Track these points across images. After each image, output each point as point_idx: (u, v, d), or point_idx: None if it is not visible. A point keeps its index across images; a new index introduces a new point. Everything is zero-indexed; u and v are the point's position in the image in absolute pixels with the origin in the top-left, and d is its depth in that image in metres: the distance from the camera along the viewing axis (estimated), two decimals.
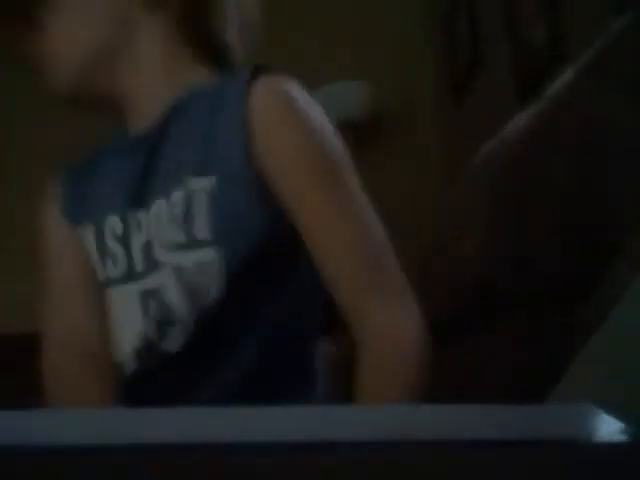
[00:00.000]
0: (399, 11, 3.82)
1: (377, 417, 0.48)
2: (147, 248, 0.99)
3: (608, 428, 0.46)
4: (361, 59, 3.74)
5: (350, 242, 0.95)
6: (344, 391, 1.23)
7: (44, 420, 0.48)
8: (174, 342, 0.97)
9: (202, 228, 0.95)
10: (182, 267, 0.96)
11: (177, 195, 0.97)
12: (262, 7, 1.14)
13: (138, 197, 1.01)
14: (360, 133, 3.81)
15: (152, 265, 0.98)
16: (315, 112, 1.02)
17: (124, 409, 0.50)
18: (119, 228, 1.01)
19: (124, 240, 1.01)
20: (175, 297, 0.96)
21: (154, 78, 1.03)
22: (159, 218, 0.98)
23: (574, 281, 1.02)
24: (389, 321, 0.93)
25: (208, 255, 0.95)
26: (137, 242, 1.00)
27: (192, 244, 0.96)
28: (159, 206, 0.98)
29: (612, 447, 0.45)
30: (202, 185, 0.96)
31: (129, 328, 1.00)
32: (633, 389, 0.54)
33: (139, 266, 0.99)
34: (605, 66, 1.13)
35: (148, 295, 0.99)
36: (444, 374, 1.18)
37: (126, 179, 1.02)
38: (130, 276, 1.00)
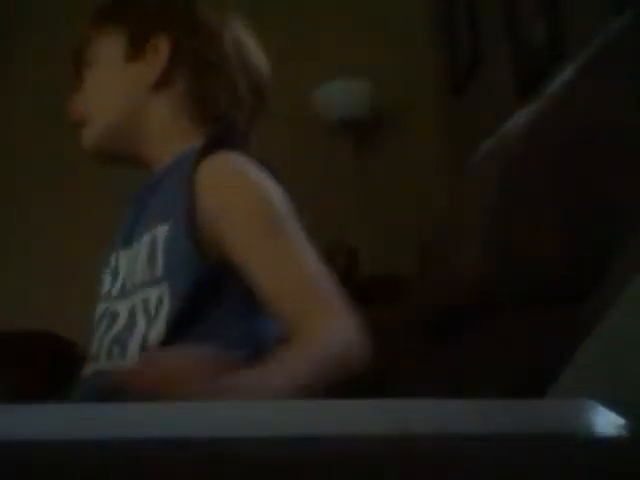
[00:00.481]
0: (399, 11, 3.82)
1: (377, 412, 0.48)
2: (124, 281, 1.18)
3: (608, 424, 0.46)
4: (361, 59, 3.75)
5: (289, 279, 1.08)
6: (344, 390, 1.23)
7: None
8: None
9: (160, 267, 1.13)
10: (148, 299, 1.12)
11: (146, 239, 1.16)
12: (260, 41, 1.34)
13: (127, 239, 1.21)
14: (360, 132, 3.81)
15: (125, 294, 1.16)
16: (251, 175, 1.17)
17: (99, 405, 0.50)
18: (113, 262, 1.23)
19: (114, 273, 1.21)
20: (130, 322, 1.13)
21: (162, 143, 1.24)
22: (133, 258, 1.17)
23: (574, 281, 1.02)
24: (321, 326, 1.03)
25: (164, 290, 1.11)
26: (120, 276, 1.19)
27: (154, 281, 1.13)
28: (135, 248, 1.18)
29: (612, 442, 0.46)
30: (162, 230, 1.14)
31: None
32: (633, 387, 0.54)
33: (115, 292, 1.19)
34: (605, 66, 1.13)
35: (111, 316, 1.16)
36: (444, 372, 1.18)
37: (127, 223, 1.24)
38: (106, 298, 1.20)
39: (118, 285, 1.19)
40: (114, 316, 1.16)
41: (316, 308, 1.04)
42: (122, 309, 1.15)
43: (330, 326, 1.03)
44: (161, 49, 1.24)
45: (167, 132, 1.24)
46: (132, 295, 1.15)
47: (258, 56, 1.31)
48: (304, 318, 1.03)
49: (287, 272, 1.07)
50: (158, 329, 1.09)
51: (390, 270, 3.03)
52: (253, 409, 0.51)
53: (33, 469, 0.46)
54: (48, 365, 2.11)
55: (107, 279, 1.22)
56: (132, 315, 1.13)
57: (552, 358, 0.91)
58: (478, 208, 1.25)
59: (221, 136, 1.19)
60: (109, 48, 1.27)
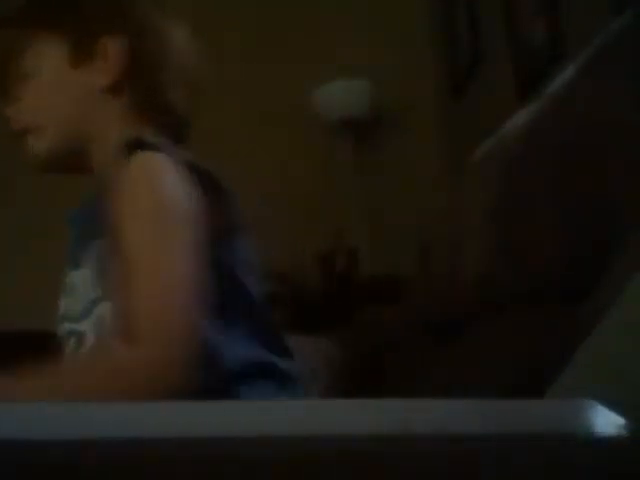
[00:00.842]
0: (399, 11, 3.82)
1: (377, 412, 0.48)
2: (83, 302, 1.16)
3: (608, 424, 0.46)
4: (361, 59, 3.74)
5: (133, 295, 1.06)
6: (345, 391, 1.23)
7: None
8: None
9: (105, 284, 1.13)
10: (103, 316, 1.12)
11: (89, 257, 1.15)
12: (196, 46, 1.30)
13: (75, 259, 1.19)
14: (360, 132, 3.81)
15: (85, 314, 1.15)
16: (155, 177, 1.14)
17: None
18: (68, 284, 1.20)
19: (70, 294, 1.19)
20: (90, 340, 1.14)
21: (111, 148, 1.19)
22: (83, 277, 1.16)
23: (574, 281, 1.02)
24: (125, 349, 1.03)
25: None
26: (78, 296, 1.17)
27: (103, 298, 1.13)
28: (82, 268, 1.16)
29: (612, 442, 0.45)
30: (100, 245, 1.14)
31: None
32: (633, 387, 0.54)
33: (75, 313, 1.16)
34: (605, 66, 1.13)
35: (77, 336, 1.15)
36: (445, 372, 1.18)
37: (74, 241, 1.21)
38: (68, 319, 1.18)
39: (78, 306, 1.17)
40: (80, 336, 1.15)
41: (135, 331, 1.02)
42: (88, 329, 1.14)
43: (132, 353, 1.02)
44: (111, 52, 1.21)
45: (117, 136, 1.20)
46: (91, 314, 1.14)
47: (191, 56, 1.28)
48: (120, 334, 1.03)
49: (136, 287, 1.05)
50: None
51: (390, 270, 3.02)
52: (253, 410, 0.51)
53: (32, 469, 0.46)
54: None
55: (65, 300, 1.20)
56: (98, 333, 1.13)
57: (552, 358, 0.91)
58: (478, 208, 1.25)
59: (144, 138, 1.16)
60: (50, 56, 1.23)
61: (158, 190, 1.11)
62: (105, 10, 1.25)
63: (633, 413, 0.46)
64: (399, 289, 1.62)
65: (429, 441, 0.45)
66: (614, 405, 0.47)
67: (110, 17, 1.24)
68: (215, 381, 1.04)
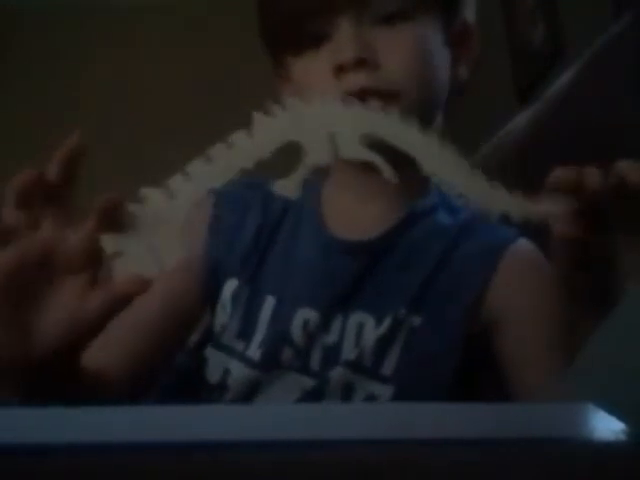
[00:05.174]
0: None
1: (376, 415, 0.48)
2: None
3: (608, 428, 0.46)
4: None
5: None
6: None
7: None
8: None
9: None
10: None
11: None
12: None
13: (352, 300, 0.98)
14: None
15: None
16: None
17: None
18: (312, 323, 0.97)
19: (310, 336, 0.97)
20: None
21: None
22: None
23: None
24: None
25: None
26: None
27: None
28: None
29: (612, 447, 0.45)
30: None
31: None
32: (633, 389, 0.54)
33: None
34: (605, 66, 1.13)
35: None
36: None
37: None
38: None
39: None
40: None
41: None
42: None
43: None
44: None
45: None
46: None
47: None
48: None
49: None
50: None
51: None
52: (252, 413, 0.51)
53: (30, 474, 0.45)
54: None
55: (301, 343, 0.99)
56: None
57: None
58: None
59: None
60: None
61: None
62: None
63: (633, 417, 0.46)
64: None
65: (427, 445, 0.45)
66: (614, 409, 0.47)
67: None
68: None
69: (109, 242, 0.69)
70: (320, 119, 0.71)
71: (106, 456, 0.45)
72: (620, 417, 0.46)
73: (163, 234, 0.69)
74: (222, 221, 1.04)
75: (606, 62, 1.13)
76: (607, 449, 0.45)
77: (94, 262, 0.69)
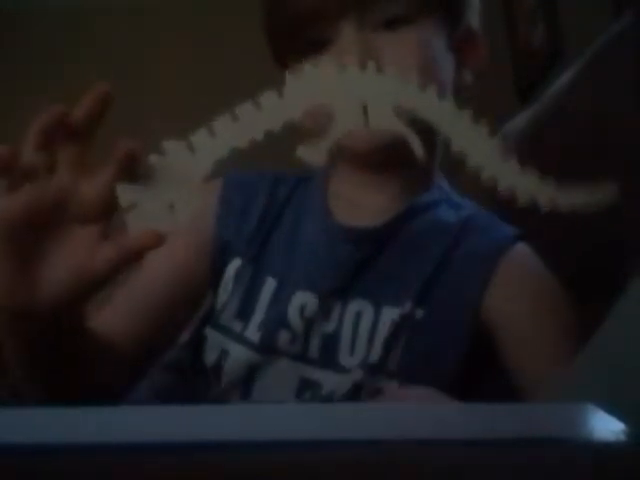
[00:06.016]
0: None
1: (376, 415, 0.48)
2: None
3: (608, 428, 0.46)
4: None
5: None
6: None
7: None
8: None
9: None
10: None
11: None
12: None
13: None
14: None
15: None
16: None
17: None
18: (310, 308, 0.98)
19: (308, 322, 0.97)
20: None
21: None
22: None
23: (574, 281, 1.02)
24: None
25: None
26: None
27: None
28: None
29: (612, 447, 0.45)
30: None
31: None
32: (633, 389, 0.54)
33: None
34: (605, 66, 1.13)
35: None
36: None
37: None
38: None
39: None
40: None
41: None
42: None
43: None
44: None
45: None
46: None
47: None
48: None
49: None
50: None
51: None
52: (252, 413, 0.51)
53: (30, 474, 0.45)
54: None
55: (297, 326, 0.99)
56: None
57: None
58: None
59: None
60: None
61: None
62: None
63: (633, 417, 0.46)
64: None
65: (427, 445, 0.44)
66: (614, 409, 0.46)
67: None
68: None
69: (124, 193, 0.67)
70: (354, 84, 0.68)
71: (106, 456, 0.45)
72: (620, 417, 0.46)
73: (180, 189, 0.67)
74: (231, 204, 1.05)
75: (606, 62, 1.13)
76: (607, 449, 0.45)
77: (108, 213, 0.68)
